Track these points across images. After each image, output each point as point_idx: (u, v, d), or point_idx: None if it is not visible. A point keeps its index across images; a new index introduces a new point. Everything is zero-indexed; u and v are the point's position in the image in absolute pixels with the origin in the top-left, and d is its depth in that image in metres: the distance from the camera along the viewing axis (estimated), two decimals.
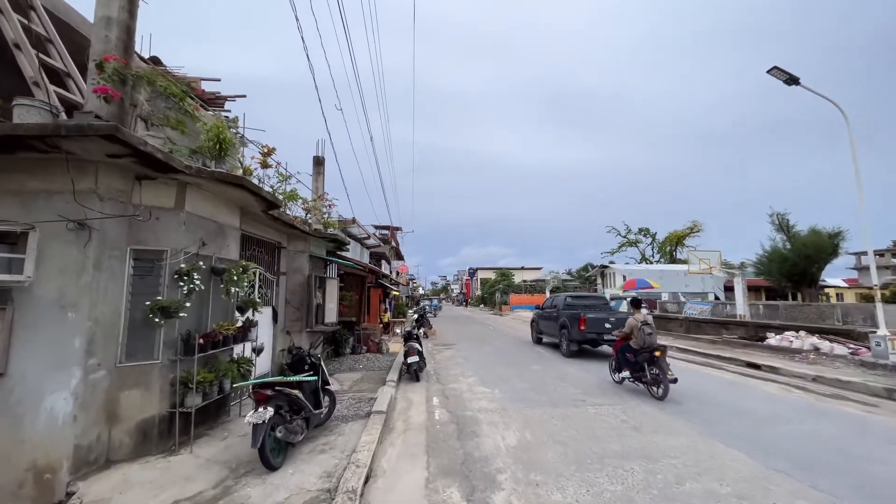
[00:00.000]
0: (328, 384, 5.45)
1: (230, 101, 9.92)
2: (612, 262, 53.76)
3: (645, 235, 58.16)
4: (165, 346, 4.67)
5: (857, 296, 41.62)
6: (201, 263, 4.86)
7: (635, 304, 8.13)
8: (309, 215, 9.53)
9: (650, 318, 7.72)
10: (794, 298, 33.60)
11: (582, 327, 11.03)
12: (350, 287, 14.74)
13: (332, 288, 11.25)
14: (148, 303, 4.45)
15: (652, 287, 20.41)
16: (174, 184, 4.89)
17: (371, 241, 17.93)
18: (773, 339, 12.29)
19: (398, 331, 17.22)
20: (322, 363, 5.45)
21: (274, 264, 8.70)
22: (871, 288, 11.72)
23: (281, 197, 8.25)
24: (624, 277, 44.57)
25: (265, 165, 7.32)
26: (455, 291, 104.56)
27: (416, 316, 16.77)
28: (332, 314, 11.06)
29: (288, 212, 8.58)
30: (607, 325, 11.06)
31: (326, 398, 5.61)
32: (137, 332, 4.53)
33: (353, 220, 13.06)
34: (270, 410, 4.03)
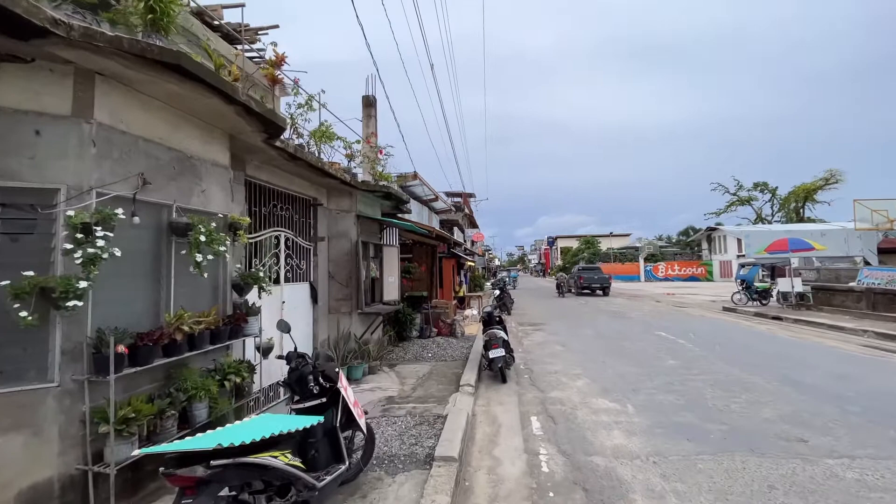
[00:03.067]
0: (354, 419, 3.12)
1: (262, 32, 7.75)
2: (719, 224, 46.04)
3: (762, 191, 48.85)
4: (67, 358, 2.65)
5: None
6: (119, 211, 2.71)
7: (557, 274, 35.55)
8: (353, 163, 7.27)
9: (565, 275, 27.81)
10: None
11: (581, 282, 23.33)
12: (417, 258, 12.61)
13: (392, 257, 9.09)
14: (7, 283, 2.41)
15: (813, 248, 15.56)
16: (68, 71, 2.74)
17: (440, 205, 15.49)
18: None
19: (474, 312, 14.82)
20: (344, 383, 3.13)
21: (309, 228, 6.64)
22: None
23: (306, 135, 6.07)
24: (739, 241, 37.45)
25: (273, 81, 5.09)
26: (533, 262, 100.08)
27: (496, 292, 14.16)
28: (392, 290, 8.95)
29: (324, 157, 6.39)
30: (593, 281, 23.70)
31: (359, 434, 3.36)
32: (16, 335, 2.54)
33: (415, 176, 10.68)
34: None
